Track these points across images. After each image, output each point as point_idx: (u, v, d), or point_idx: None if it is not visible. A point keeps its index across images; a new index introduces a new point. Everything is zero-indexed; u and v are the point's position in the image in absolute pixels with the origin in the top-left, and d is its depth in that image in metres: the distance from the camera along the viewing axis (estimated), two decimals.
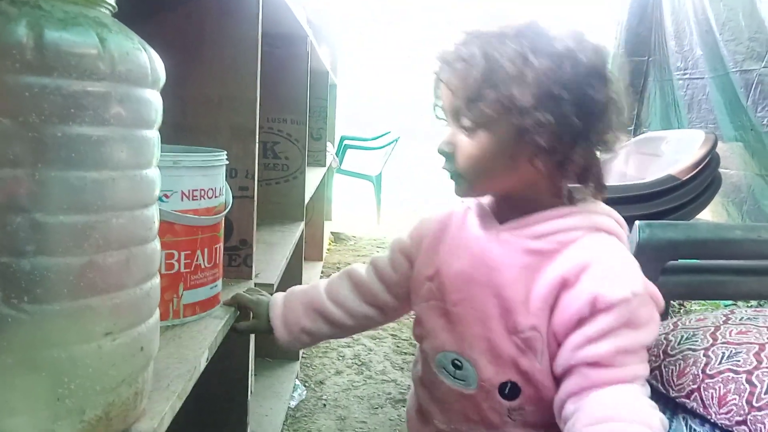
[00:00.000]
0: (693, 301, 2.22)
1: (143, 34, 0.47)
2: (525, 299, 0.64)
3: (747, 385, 0.61)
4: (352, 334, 0.86)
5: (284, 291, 0.88)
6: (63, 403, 0.42)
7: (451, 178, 0.68)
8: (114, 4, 0.46)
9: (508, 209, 0.68)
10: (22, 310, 0.39)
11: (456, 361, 0.69)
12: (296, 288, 0.86)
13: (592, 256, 0.62)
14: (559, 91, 0.60)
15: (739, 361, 0.64)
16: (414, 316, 0.77)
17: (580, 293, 0.60)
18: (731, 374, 0.63)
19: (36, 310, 0.40)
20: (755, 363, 0.63)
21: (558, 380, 0.64)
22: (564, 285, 0.62)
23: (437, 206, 0.79)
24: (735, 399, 0.60)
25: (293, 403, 1.59)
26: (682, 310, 2.20)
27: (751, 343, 0.67)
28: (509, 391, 0.66)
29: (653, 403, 0.59)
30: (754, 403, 0.58)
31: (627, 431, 0.55)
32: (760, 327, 0.72)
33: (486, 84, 0.61)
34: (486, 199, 0.72)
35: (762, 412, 0.57)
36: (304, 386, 1.70)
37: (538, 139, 0.61)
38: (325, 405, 1.62)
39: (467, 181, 0.67)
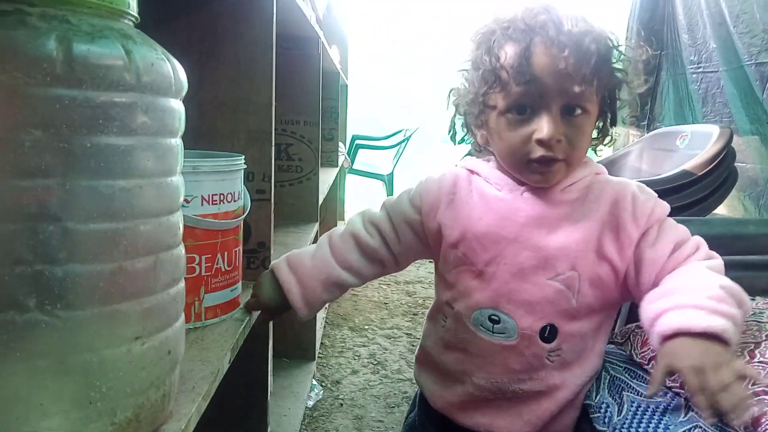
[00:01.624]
0: None
1: (159, 40, 0.48)
2: (563, 245, 0.70)
3: None
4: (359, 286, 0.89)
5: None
6: (95, 406, 0.43)
7: (547, 164, 0.70)
8: (137, 15, 0.47)
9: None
10: (55, 315, 0.40)
11: (493, 317, 0.72)
12: (302, 258, 0.83)
13: (615, 194, 0.72)
14: (627, 71, 0.71)
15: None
16: (435, 282, 0.83)
17: (625, 223, 0.70)
18: None
19: (68, 316, 0.41)
20: (747, 359, 0.64)
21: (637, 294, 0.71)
22: (603, 225, 0.71)
23: (435, 173, 0.82)
24: None
25: (310, 403, 1.60)
26: None
27: (746, 343, 0.67)
28: (548, 333, 0.72)
29: (724, 279, 0.66)
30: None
31: (677, 303, 0.62)
32: (762, 323, 0.72)
33: (598, 67, 0.67)
34: (491, 163, 0.78)
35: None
36: (321, 386, 1.71)
37: (609, 110, 0.73)
38: (342, 404, 1.63)
39: (568, 164, 0.71)
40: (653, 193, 0.74)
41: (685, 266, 0.69)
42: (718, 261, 0.70)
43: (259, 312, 0.86)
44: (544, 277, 0.70)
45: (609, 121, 0.74)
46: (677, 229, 0.72)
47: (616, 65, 0.70)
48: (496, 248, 0.72)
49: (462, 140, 0.81)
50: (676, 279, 0.67)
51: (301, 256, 0.83)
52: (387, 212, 0.82)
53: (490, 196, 0.75)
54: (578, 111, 0.68)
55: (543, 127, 0.67)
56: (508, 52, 0.68)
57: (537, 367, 0.73)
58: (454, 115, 0.80)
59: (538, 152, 0.68)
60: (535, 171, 0.71)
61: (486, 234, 0.73)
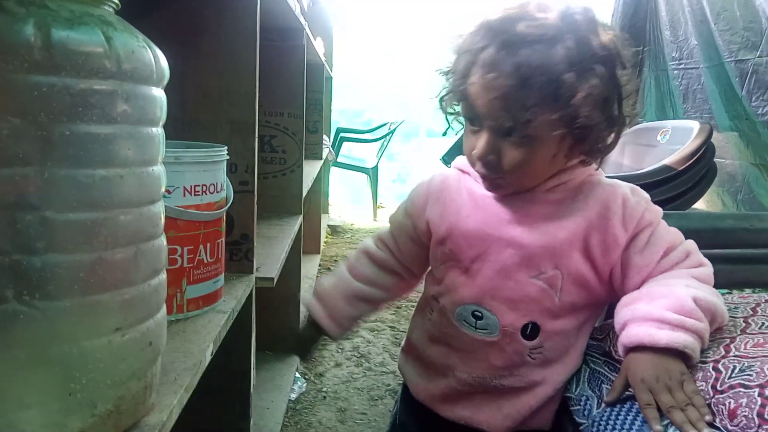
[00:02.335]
0: None
1: (141, 28, 0.47)
2: (546, 245, 0.70)
3: (713, 372, 0.63)
4: (391, 302, 0.91)
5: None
6: (74, 397, 0.43)
7: (491, 178, 0.71)
8: (117, 1, 0.46)
9: None
10: (33, 306, 0.40)
11: (476, 312, 0.73)
12: (324, 284, 0.87)
13: (606, 195, 0.71)
14: (610, 93, 0.64)
15: (708, 354, 0.66)
16: (426, 277, 0.84)
17: (614, 225, 0.69)
18: (700, 364, 0.65)
19: (47, 306, 0.41)
20: (723, 353, 0.65)
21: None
22: (590, 226, 0.70)
23: (425, 176, 0.84)
24: (702, 385, 0.62)
25: (294, 396, 1.60)
26: None
27: (723, 338, 0.69)
28: (530, 331, 0.72)
29: (703, 285, 0.68)
30: (718, 388, 0.60)
31: (641, 313, 0.64)
32: (737, 318, 0.74)
33: (544, 98, 0.62)
34: None
35: (723, 395, 0.60)
36: (304, 379, 1.71)
37: (584, 137, 0.66)
38: (325, 397, 1.64)
39: (511, 183, 0.71)
40: (646, 196, 0.73)
41: (666, 274, 0.69)
42: (707, 270, 0.70)
43: (241, 306, 0.86)
44: (527, 275, 0.71)
45: (591, 142, 0.67)
46: (668, 236, 0.71)
47: (572, 91, 0.62)
48: (481, 245, 0.73)
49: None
50: (652, 287, 0.68)
51: (321, 280, 0.89)
52: (390, 226, 0.86)
53: (478, 194, 0.75)
54: (518, 134, 0.65)
55: (478, 144, 0.68)
56: (460, 65, 0.68)
57: (518, 364, 0.74)
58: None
59: (477, 165, 0.71)
60: (483, 180, 0.73)
61: (472, 231, 0.74)
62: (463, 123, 0.73)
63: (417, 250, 0.83)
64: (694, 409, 0.58)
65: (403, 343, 0.89)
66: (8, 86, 0.38)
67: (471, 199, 0.76)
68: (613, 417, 0.66)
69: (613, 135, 0.68)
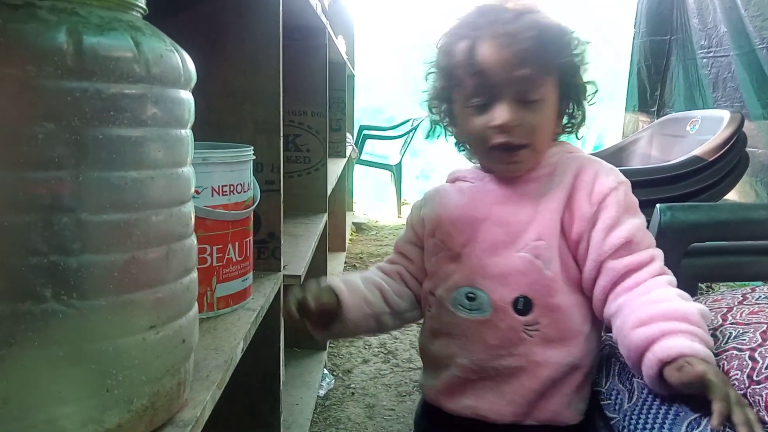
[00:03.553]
0: (722, 284, 2.19)
1: (166, 31, 0.48)
2: (531, 219, 0.73)
3: (749, 361, 0.62)
4: (408, 323, 0.87)
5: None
6: (111, 393, 0.44)
7: (513, 150, 0.73)
8: (145, 7, 0.47)
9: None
10: (70, 305, 0.41)
11: (469, 294, 0.74)
12: (347, 276, 0.84)
13: (579, 167, 0.75)
14: (580, 60, 0.76)
15: (744, 339, 0.65)
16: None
17: (581, 198, 0.73)
18: (735, 352, 0.64)
19: (83, 306, 0.42)
20: (760, 341, 0.64)
21: (586, 286, 0.74)
22: (569, 200, 0.73)
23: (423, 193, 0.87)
24: (737, 374, 0.61)
25: (322, 392, 1.61)
26: (709, 293, 2.17)
27: (760, 323, 0.67)
28: (523, 306, 0.73)
29: (685, 294, 0.68)
30: (755, 378, 0.59)
31: (671, 328, 0.63)
32: None
33: (551, 57, 0.71)
34: (473, 168, 0.82)
35: (761, 386, 0.58)
36: (333, 375, 1.72)
37: (570, 101, 0.76)
38: (353, 393, 1.65)
39: (534, 150, 0.74)
40: (624, 179, 0.75)
41: (655, 289, 0.68)
42: (673, 278, 0.70)
43: (269, 304, 0.87)
44: (513, 250, 0.73)
45: (575, 105, 0.78)
46: (637, 231, 0.71)
47: (568, 51, 0.74)
48: (470, 230, 0.76)
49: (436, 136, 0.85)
50: (657, 304, 0.66)
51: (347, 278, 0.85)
52: (396, 246, 0.87)
53: (464, 187, 0.80)
54: (532, 97, 0.71)
55: (496, 115, 0.71)
56: (459, 49, 0.72)
57: (515, 342, 0.73)
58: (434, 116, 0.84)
59: (498, 138, 0.72)
60: (498, 159, 0.75)
61: (459, 217, 0.77)
62: (462, 112, 0.75)
63: (421, 253, 0.83)
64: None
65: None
66: (42, 92, 0.39)
67: (459, 192, 0.80)
68: (644, 410, 0.65)
69: (584, 104, 0.79)
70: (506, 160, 0.74)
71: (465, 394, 0.77)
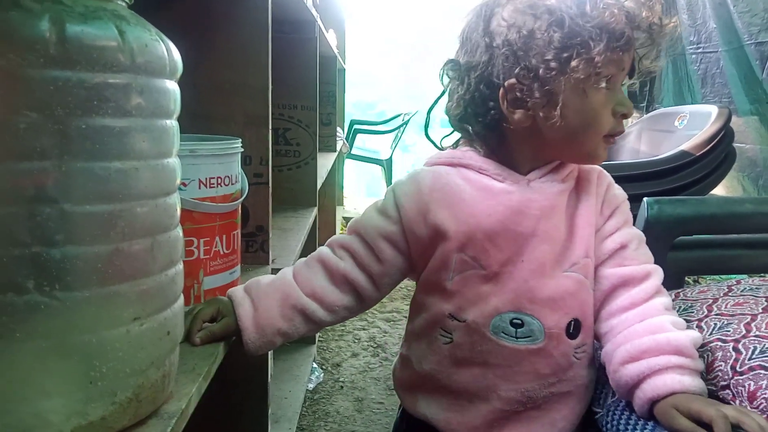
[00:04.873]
0: (708, 277, 2.22)
1: (154, 22, 0.47)
2: (573, 233, 0.68)
3: (733, 353, 0.63)
4: (326, 326, 0.77)
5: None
6: (95, 386, 0.43)
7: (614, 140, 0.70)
8: None
9: (526, 161, 0.70)
10: (54, 297, 0.41)
11: (515, 320, 0.67)
12: (260, 281, 0.72)
13: (599, 175, 0.73)
14: None
15: (729, 331, 0.66)
16: (419, 299, 0.74)
17: (597, 208, 0.70)
18: (720, 343, 0.65)
19: (67, 297, 0.41)
20: (744, 332, 0.65)
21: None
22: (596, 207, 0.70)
23: (403, 177, 0.74)
24: (721, 365, 0.62)
25: (311, 386, 1.61)
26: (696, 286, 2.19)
27: (744, 314, 0.68)
28: (573, 329, 0.68)
29: (680, 320, 0.66)
30: (738, 369, 0.60)
31: (661, 365, 0.61)
32: (759, 297, 0.73)
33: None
34: (477, 156, 0.71)
35: (744, 377, 0.59)
36: (322, 369, 1.73)
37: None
38: (342, 387, 1.65)
39: None
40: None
41: (649, 318, 0.66)
42: (668, 299, 0.69)
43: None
44: (560, 269, 0.67)
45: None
46: (630, 234, 0.71)
47: None
48: (513, 246, 0.67)
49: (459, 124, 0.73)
50: (650, 335, 0.64)
51: (258, 279, 0.73)
52: (357, 232, 0.73)
53: (494, 188, 0.68)
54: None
55: (626, 100, 0.66)
56: (613, 16, 0.61)
57: (566, 367, 0.69)
58: (466, 93, 0.69)
59: (620, 126, 0.67)
60: (604, 148, 0.68)
61: (499, 232, 0.67)
62: (578, 89, 0.64)
63: (398, 259, 0.72)
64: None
65: (404, 378, 0.77)
66: (25, 81, 0.38)
67: (487, 194, 0.68)
68: (628, 406, 0.66)
69: None
70: (607, 150, 0.69)
71: (507, 427, 0.70)
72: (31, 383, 0.41)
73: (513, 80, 0.65)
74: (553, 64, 0.62)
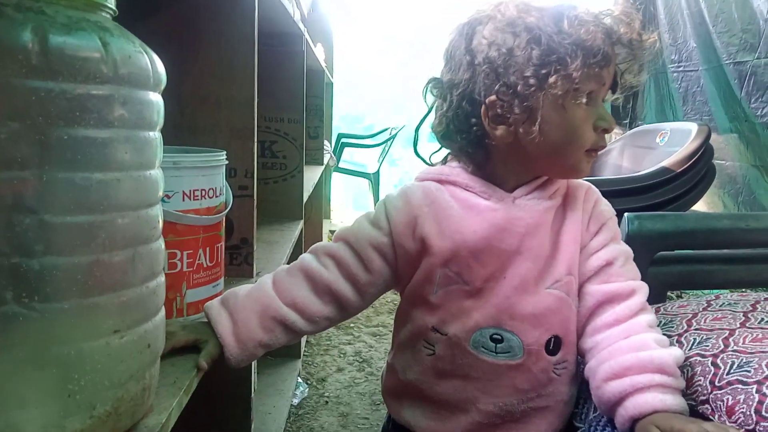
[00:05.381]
0: (691, 291, 2.24)
1: (140, 34, 0.48)
2: (557, 250, 0.69)
3: (712, 367, 0.63)
4: (306, 335, 0.78)
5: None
6: (73, 399, 0.43)
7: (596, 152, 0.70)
8: (114, 8, 0.47)
9: (511, 176, 0.71)
10: (32, 308, 0.40)
11: (495, 336, 0.68)
12: (238, 293, 0.71)
13: (586, 190, 0.73)
14: None
15: (707, 346, 0.67)
16: (404, 310, 0.74)
17: (584, 225, 0.70)
18: (699, 358, 0.65)
19: (46, 309, 0.41)
20: (722, 347, 0.66)
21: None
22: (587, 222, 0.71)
23: (394, 191, 0.74)
24: (700, 380, 0.63)
25: (296, 401, 1.60)
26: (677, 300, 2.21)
27: (722, 329, 0.69)
28: (553, 345, 0.69)
29: (663, 338, 0.66)
30: (717, 383, 0.61)
31: (643, 383, 0.61)
32: (737, 312, 0.74)
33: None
34: (464, 173, 0.71)
35: (722, 391, 0.60)
36: (306, 384, 1.71)
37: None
38: (327, 402, 1.64)
39: None
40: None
41: (634, 335, 0.66)
42: (653, 316, 0.69)
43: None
44: (543, 286, 0.68)
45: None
46: (616, 250, 0.71)
47: None
48: (496, 263, 0.67)
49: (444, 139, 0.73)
50: (633, 353, 0.64)
51: (235, 290, 0.72)
52: (345, 241, 0.72)
53: (480, 206, 0.69)
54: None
55: (607, 115, 0.67)
56: (590, 33, 0.62)
57: (545, 383, 0.69)
58: (448, 110, 0.70)
59: (602, 141, 0.68)
60: (587, 163, 0.69)
61: (483, 249, 0.67)
62: (557, 105, 0.64)
63: (386, 270, 0.72)
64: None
65: (389, 385, 0.78)
66: (6, 91, 0.38)
67: (472, 211, 0.69)
68: (609, 422, 0.66)
69: None
70: (590, 164, 0.69)
71: None
72: (7, 395, 0.41)
73: (493, 97, 0.65)
74: (531, 81, 0.63)
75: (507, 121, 0.66)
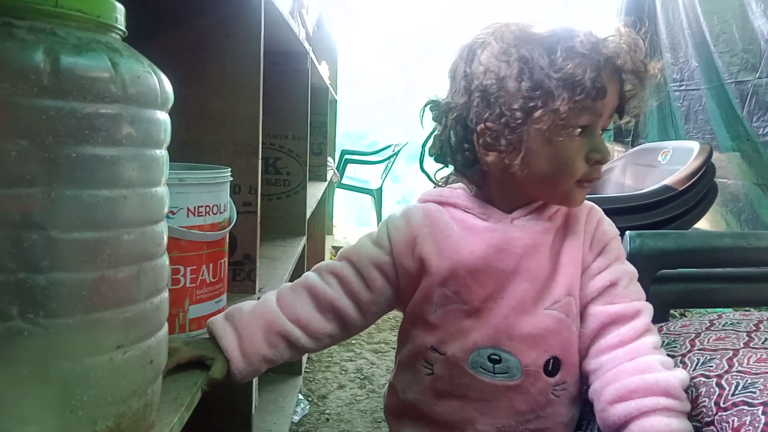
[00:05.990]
0: (694, 310, 2.23)
1: (147, 52, 0.49)
2: (556, 271, 0.68)
3: (716, 388, 0.63)
4: (308, 353, 0.78)
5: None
6: (75, 414, 0.43)
7: (591, 183, 0.70)
8: (124, 29, 0.48)
9: (508, 199, 0.71)
10: (37, 324, 0.41)
11: (493, 356, 0.68)
12: (242, 308, 0.72)
13: (589, 211, 0.72)
14: None
15: (712, 366, 0.66)
16: (405, 329, 0.75)
17: (586, 246, 0.70)
18: (703, 379, 0.65)
19: (50, 324, 0.41)
20: (726, 367, 0.66)
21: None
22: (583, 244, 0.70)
23: (396, 211, 0.75)
24: (705, 401, 0.62)
25: (296, 418, 1.59)
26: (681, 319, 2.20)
27: (726, 349, 0.69)
28: (552, 366, 0.68)
29: (668, 360, 0.65)
30: (722, 404, 0.60)
31: (649, 406, 0.61)
32: (740, 332, 0.74)
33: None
34: (465, 194, 0.73)
35: (728, 412, 0.59)
36: (307, 401, 1.70)
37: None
38: (328, 419, 1.63)
39: None
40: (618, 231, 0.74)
41: (639, 357, 0.65)
42: (658, 338, 0.69)
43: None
44: (542, 307, 0.68)
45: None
46: (619, 270, 0.70)
47: None
48: (494, 283, 0.68)
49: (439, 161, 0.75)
50: (638, 375, 0.64)
51: (238, 306, 0.73)
52: (348, 260, 0.74)
53: (478, 227, 0.70)
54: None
55: (602, 146, 0.66)
56: (580, 66, 0.62)
57: (543, 404, 0.69)
58: (443, 133, 0.72)
59: (595, 173, 0.67)
60: (580, 193, 0.68)
61: (481, 269, 0.68)
62: (543, 137, 0.64)
63: (388, 289, 0.73)
64: None
65: (390, 403, 0.79)
66: (17, 109, 0.39)
67: (470, 232, 0.70)
68: None
69: None
70: (586, 189, 0.68)
71: None
72: (9, 410, 0.41)
73: (483, 125, 0.66)
74: (518, 114, 0.63)
75: (498, 149, 0.67)
